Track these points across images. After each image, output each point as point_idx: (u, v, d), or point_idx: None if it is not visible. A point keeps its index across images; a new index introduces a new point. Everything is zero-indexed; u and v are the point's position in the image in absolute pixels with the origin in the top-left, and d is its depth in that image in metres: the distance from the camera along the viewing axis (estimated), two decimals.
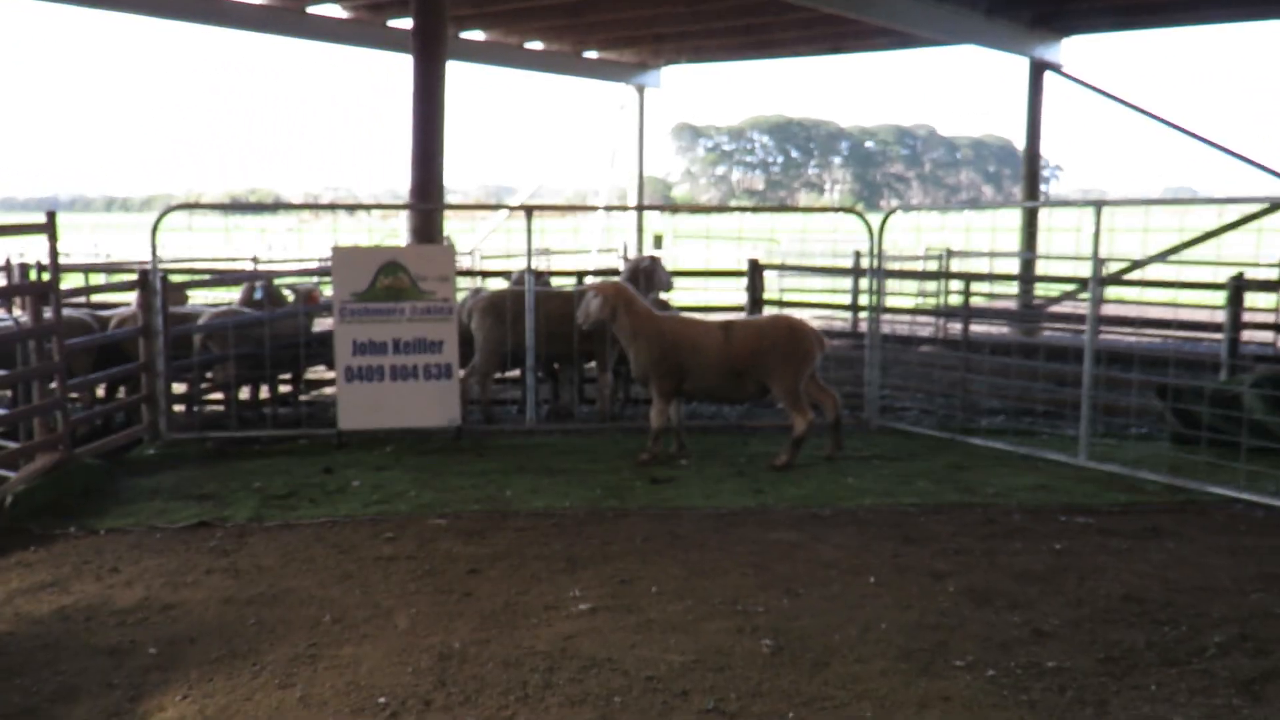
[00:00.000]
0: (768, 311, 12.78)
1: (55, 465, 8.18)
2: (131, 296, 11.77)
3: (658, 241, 25.13)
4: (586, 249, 24.01)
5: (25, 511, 7.55)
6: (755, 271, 12.67)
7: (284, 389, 12.06)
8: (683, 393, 9.26)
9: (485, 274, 15.67)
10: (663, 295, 11.73)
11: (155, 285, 9.88)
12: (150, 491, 8.34)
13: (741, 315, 11.60)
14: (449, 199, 14.49)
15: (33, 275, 12.07)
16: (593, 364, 11.74)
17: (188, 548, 6.89)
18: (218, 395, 11.74)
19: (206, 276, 13.85)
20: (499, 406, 12.06)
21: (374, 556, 6.68)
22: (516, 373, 12.66)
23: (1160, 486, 8.55)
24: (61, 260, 8.62)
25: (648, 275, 11.14)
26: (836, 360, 13.95)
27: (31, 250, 19.73)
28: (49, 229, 8.18)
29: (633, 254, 21.42)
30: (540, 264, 25.63)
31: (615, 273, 12.44)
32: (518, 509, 7.73)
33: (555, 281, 12.43)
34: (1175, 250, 16.42)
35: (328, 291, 12.41)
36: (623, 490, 8.29)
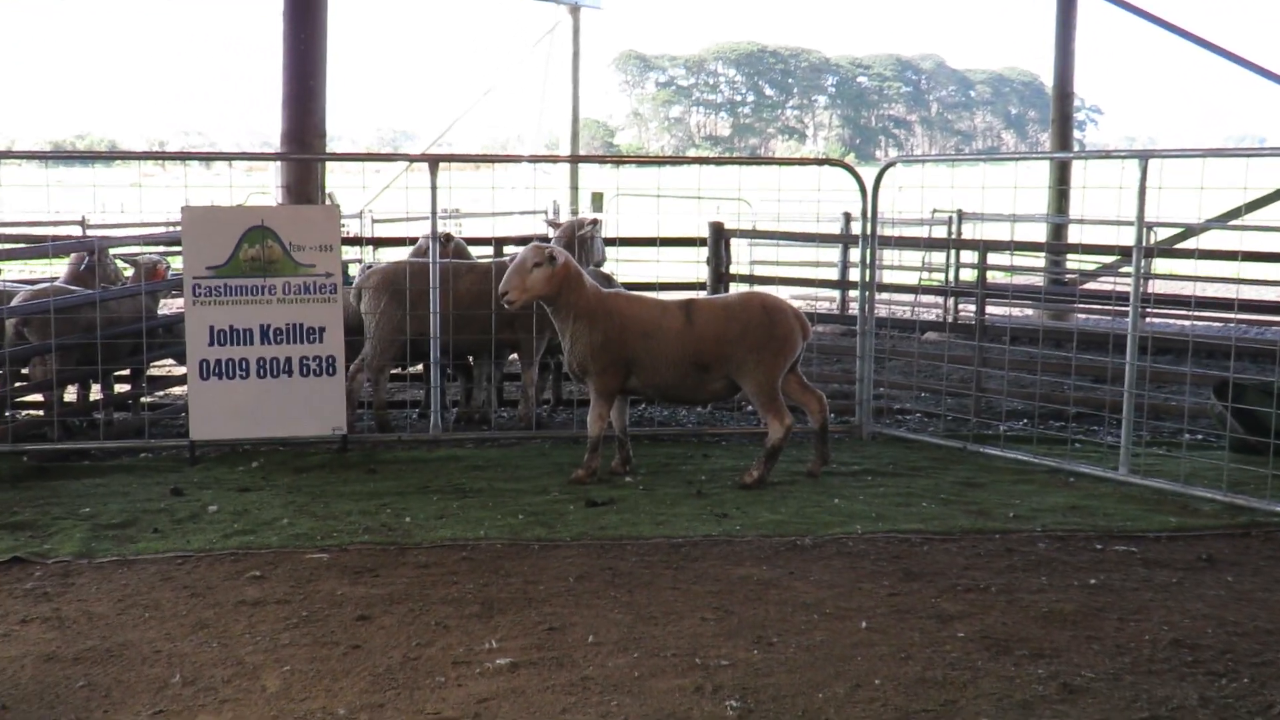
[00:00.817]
0: (735, 289, 12.85)
1: None
2: None
3: (596, 201, 25.18)
4: (507, 211, 23.97)
5: None
6: (719, 239, 12.75)
7: (121, 389, 11.94)
8: (629, 391, 9.31)
9: (379, 242, 15.67)
10: (598, 269, 11.77)
11: None
12: None
13: (704, 294, 11.67)
14: (332, 147, 14.42)
15: None
16: (515, 357, 11.76)
17: None
18: (36, 397, 11.59)
19: (20, 245, 13.68)
20: (396, 410, 12.04)
21: (236, 601, 6.64)
22: (419, 368, 12.64)
23: (1218, 507, 8.72)
24: None
25: (584, 244, 11.18)
26: (820, 351, 14.07)
27: None
28: None
29: (565, 216, 21.41)
30: (449, 229, 25.48)
31: (545, 239, 12.46)
32: (419, 540, 7.73)
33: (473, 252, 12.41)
34: (1238, 213, 16.73)
35: (177, 265, 12.32)
36: (552, 516, 8.31)
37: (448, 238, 11.81)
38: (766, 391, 9.07)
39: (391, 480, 9.37)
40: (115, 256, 12.05)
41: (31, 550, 7.50)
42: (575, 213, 23.88)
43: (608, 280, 11.91)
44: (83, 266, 11.45)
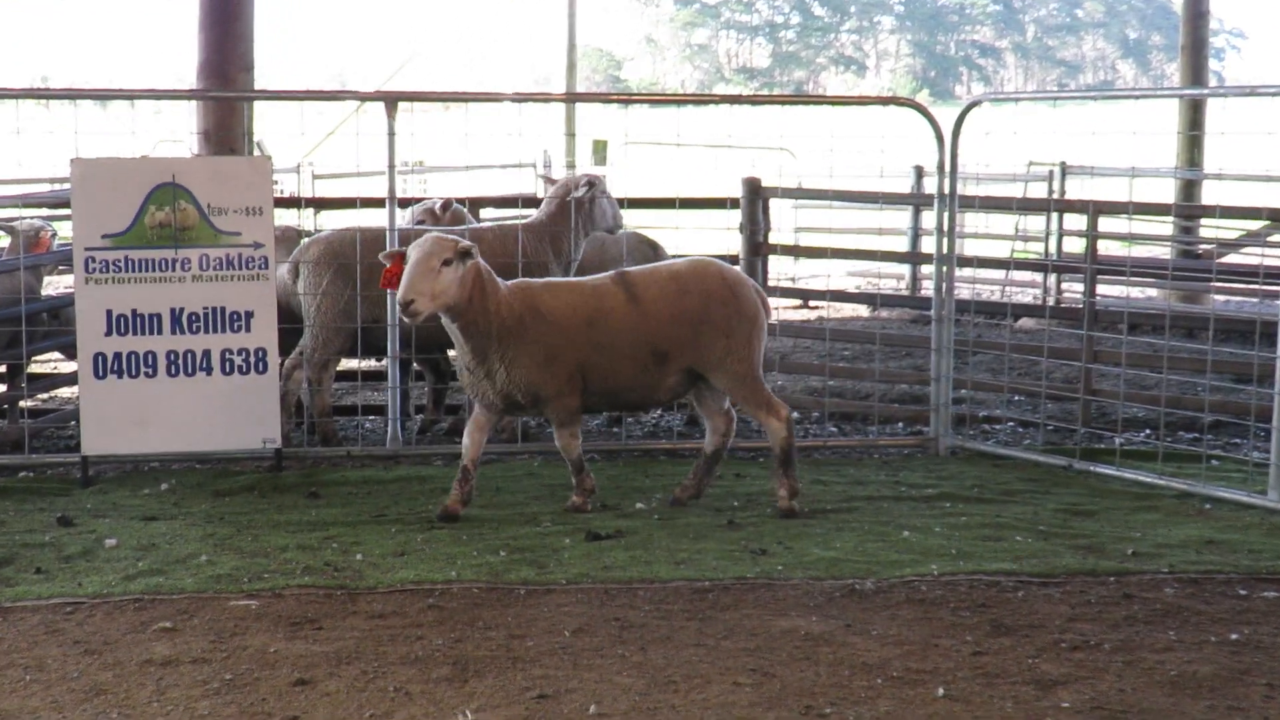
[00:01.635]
0: (776, 265, 12.83)
1: None
2: None
3: (598, 152, 25.20)
4: (485, 165, 23.99)
5: None
6: (755, 199, 12.73)
7: None
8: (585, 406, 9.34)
9: (321, 203, 15.68)
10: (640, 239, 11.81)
11: None
12: None
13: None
14: (262, 84, 14.38)
15: None
16: None
17: None
18: None
19: None
20: (343, 418, 12.04)
21: (141, 660, 6.64)
22: (373, 364, 12.64)
23: None
24: None
25: (584, 208, 11.15)
26: (886, 342, 14.05)
27: None
28: None
29: (560, 172, 21.42)
30: (410, 186, 25.41)
31: (533, 203, 12.45)
32: (373, 583, 7.72)
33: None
34: None
35: (65, 233, 12.33)
36: (543, 552, 8.31)
37: (447, 204, 11.83)
38: (748, 383, 9.14)
39: (338, 507, 9.37)
40: None
41: None
42: (571, 167, 23.89)
43: (654, 249, 11.94)
44: None
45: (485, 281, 8.75)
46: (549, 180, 12.01)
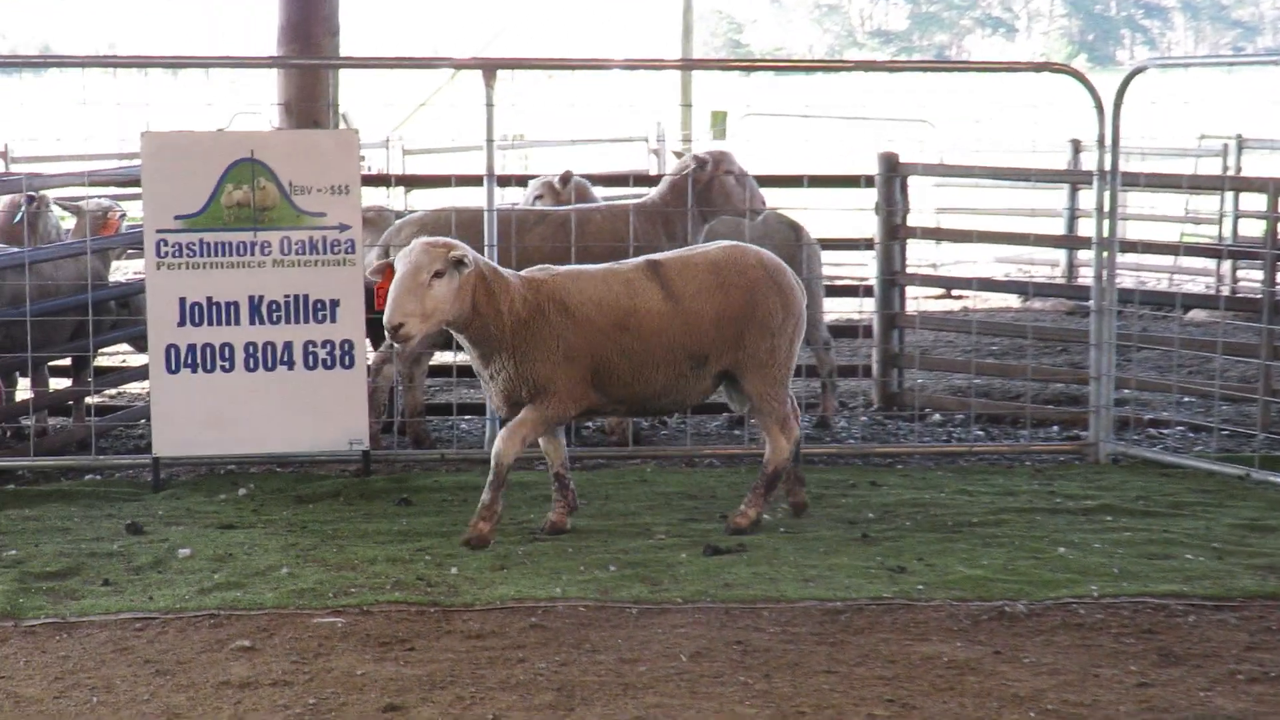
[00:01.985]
0: (915, 250, 12.76)
1: None
2: None
3: (717, 124, 25.15)
4: (592, 138, 24.03)
5: None
6: (893, 177, 12.66)
7: (59, 385, 12.12)
8: (588, 412, 9.11)
9: (412, 181, 15.73)
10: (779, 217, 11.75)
11: None
12: None
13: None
14: (348, 50, 14.48)
15: None
16: None
17: None
18: None
19: None
20: (438, 418, 12.09)
21: (217, 682, 6.70)
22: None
23: None
24: None
25: (710, 190, 11.11)
26: (1039, 337, 13.91)
27: None
28: None
29: (674, 147, 21.46)
30: (510, 163, 25.44)
31: (648, 180, 12.46)
32: (470, 600, 7.75)
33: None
34: None
35: (134, 213, 12.48)
36: (656, 568, 8.31)
37: (567, 177, 11.87)
38: (778, 393, 9.05)
39: (432, 515, 9.43)
40: (51, 201, 12.23)
41: None
42: (687, 141, 23.87)
43: (796, 232, 11.88)
44: (16, 218, 11.60)
45: (491, 284, 8.47)
46: (671, 154, 11.94)
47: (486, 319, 8.47)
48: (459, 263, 8.26)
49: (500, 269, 8.73)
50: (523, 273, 8.85)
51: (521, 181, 13.06)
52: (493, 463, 8.70)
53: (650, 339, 8.77)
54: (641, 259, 9.15)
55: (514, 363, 8.62)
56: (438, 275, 8.21)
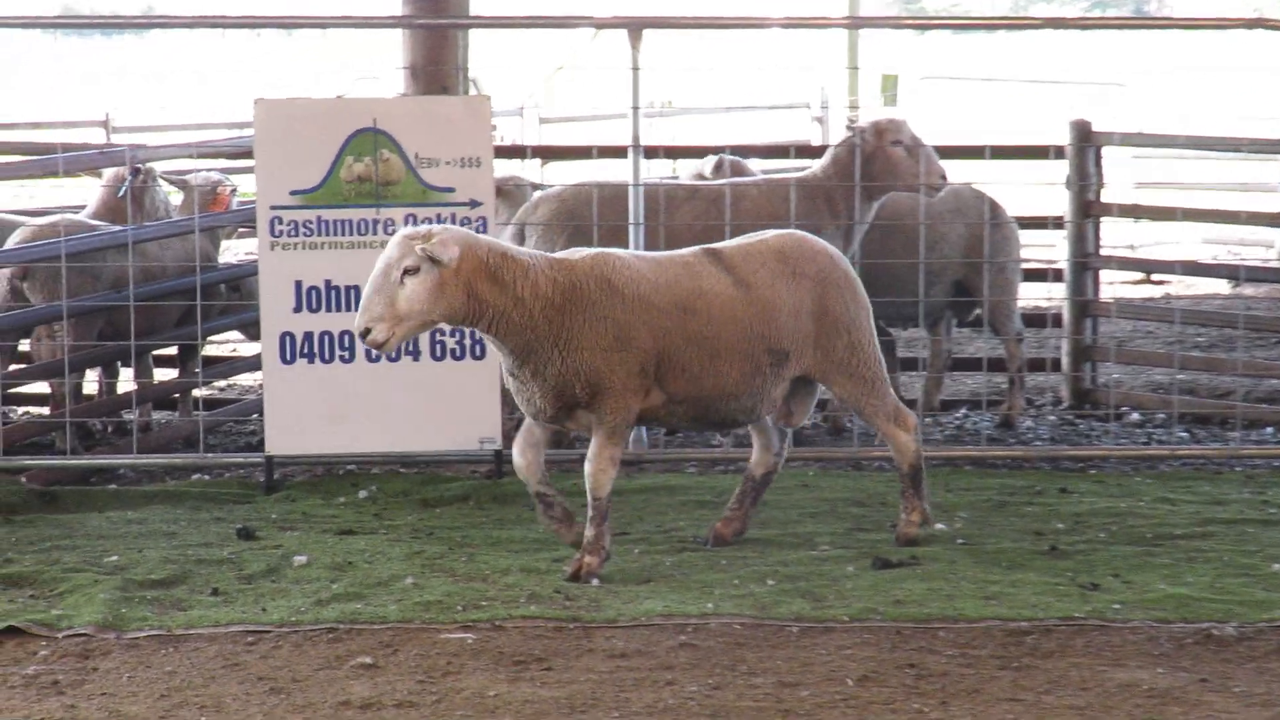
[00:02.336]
0: (1110, 229, 12.57)
1: None
2: None
3: (888, 89, 25.02)
4: (748, 105, 23.97)
5: None
6: (1085, 147, 12.50)
7: (164, 377, 12.27)
8: (649, 415, 8.76)
9: (550, 153, 15.78)
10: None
11: None
12: None
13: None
14: (479, 8, 14.53)
15: None
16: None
17: None
18: (39, 387, 11.99)
19: (16, 159, 14.14)
20: None
21: (336, 702, 6.76)
22: None
23: None
24: None
25: (874, 161, 11.02)
26: (1251, 327, 13.69)
27: None
28: None
29: (839, 114, 21.38)
30: (658, 131, 25.36)
31: (810, 152, 12.39)
32: (613, 615, 7.76)
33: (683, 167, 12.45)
34: None
35: (246, 188, 12.60)
36: (820, 582, 8.28)
37: (719, 165, 11.87)
38: (876, 386, 8.85)
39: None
40: (158, 175, 12.36)
41: (34, 617, 7.73)
42: (854, 108, 23.71)
43: (993, 209, 11.77)
44: (121, 193, 11.73)
45: (498, 272, 8.08)
46: (853, 126, 11.71)
47: (502, 311, 8.09)
48: (433, 260, 7.86)
49: (516, 252, 8.31)
50: (561, 254, 8.61)
51: (670, 153, 13.06)
52: (590, 497, 8.44)
53: (722, 325, 8.48)
54: (697, 247, 8.88)
55: (560, 354, 8.24)
56: (409, 272, 7.88)
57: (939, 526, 9.22)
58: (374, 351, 8.94)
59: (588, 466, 8.43)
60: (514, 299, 8.07)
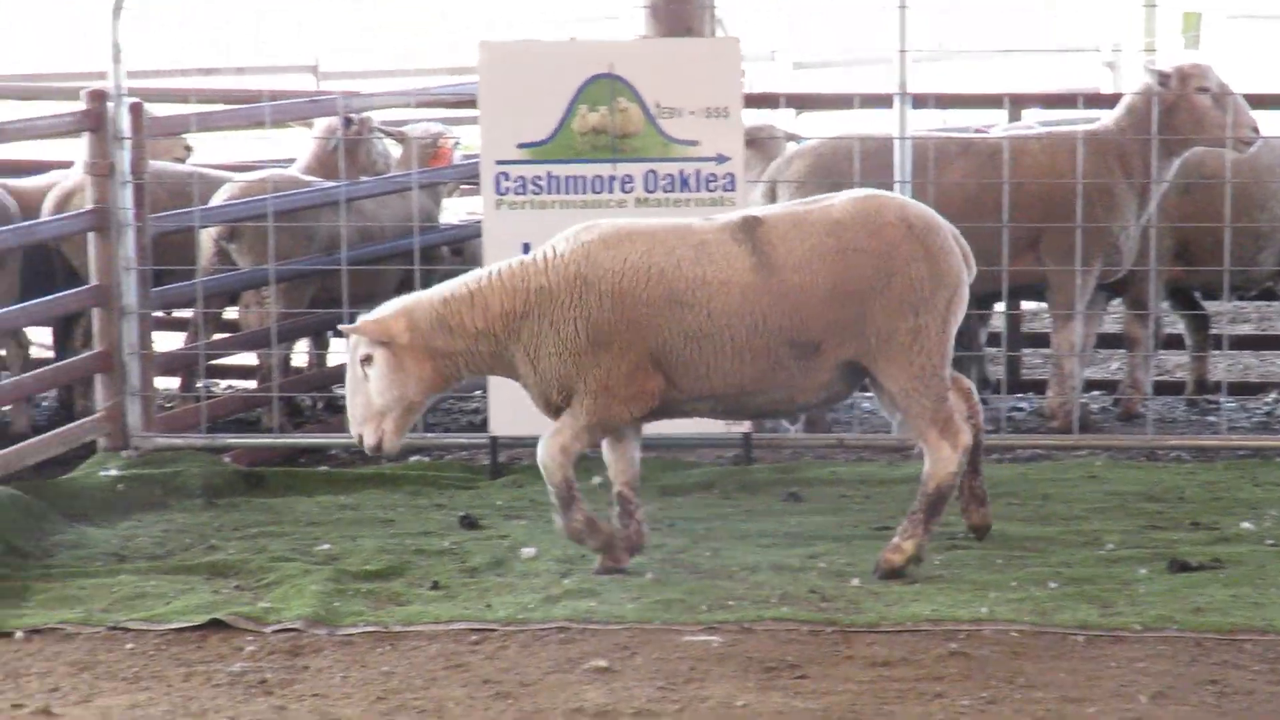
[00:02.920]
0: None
1: None
2: (75, 148, 12.43)
3: (1189, 29, 24.64)
4: (1031, 47, 23.71)
5: None
6: None
7: None
8: (669, 410, 8.77)
9: (806, 101, 15.75)
10: None
11: (121, 121, 10.45)
12: (110, 554, 8.84)
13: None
14: None
15: None
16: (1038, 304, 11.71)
17: (187, 675, 7.25)
18: (246, 358, 12.25)
19: (219, 107, 14.41)
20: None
21: (568, 708, 6.84)
22: None
23: None
24: None
25: (1175, 112, 10.88)
26: None
27: None
28: None
29: (1134, 60, 21.18)
30: (926, 78, 25.11)
31: (1101, 101, 12.27)
32: (875, 619, 7.77)
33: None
34: None
35: (469, 141, 12.72)
36: (1108, 585, 8.24)
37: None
38: (933, 383, 8.49)
39: (827, 514, 9.53)
40: (375, 126, 12.54)
41: (240, 610, 7.94)
42: (1150, 51, 23.40)
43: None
44: (332, 145, 11.92)
45: (443, 321, 8.37)
46: (1148, 70, 11.47)
47: (470, 351, 8.43)
48: (383, 340, 8.23)
49: (455, 288, 8.50)
50: (547, 245, 8.64)
51: (941, 101, 12.97)
52: (547, 484, 8.54)
53: (725, 319, 8.37)
54: (739, 214, 8.81)
55: (531, 362, 8.46)
56: (366, 363, 8.25)
57: (1245, 525, 9.11)
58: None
59: (544, 448, 8.49)
60: (473, 335, 8.39)
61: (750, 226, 8.47)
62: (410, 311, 8.36)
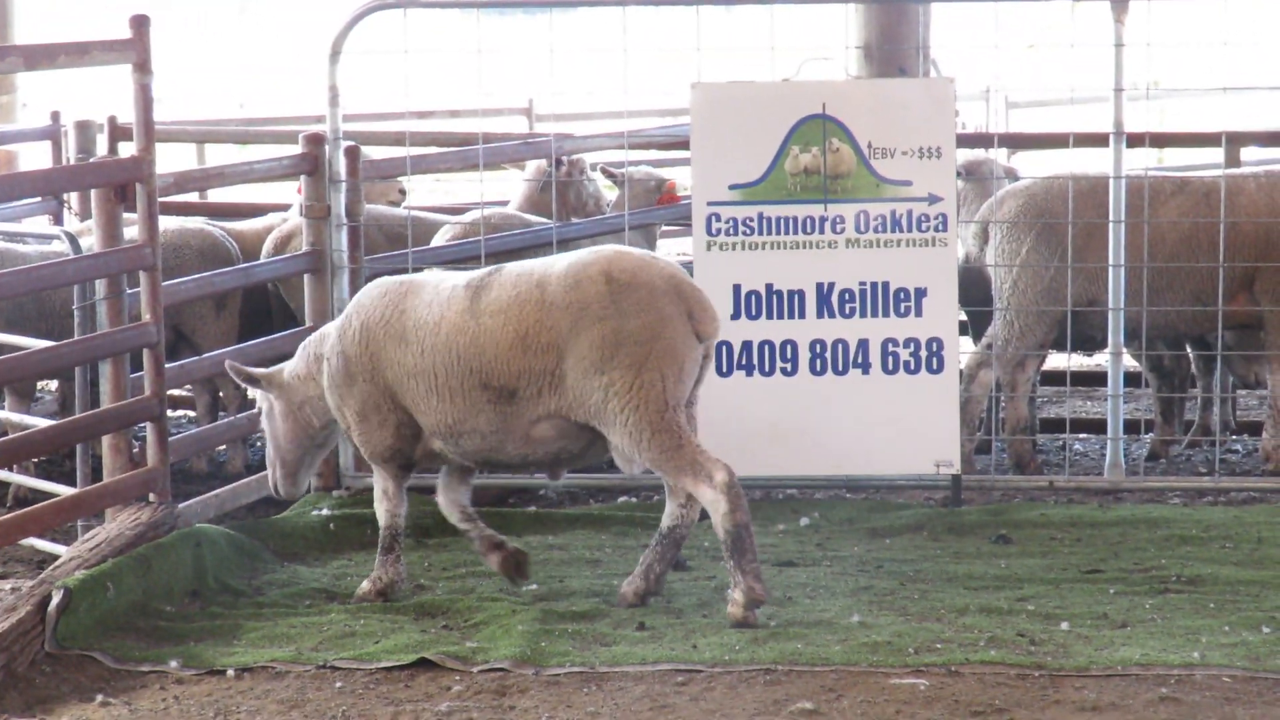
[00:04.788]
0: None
1: (141, 534, 8.90)
2: (289, 191, 12.64)
3: None
4: (1256, 85, 23.34)
5: (87, 625, 8.21)
6: None
7: None
8: (432, 454, 9.09)
9: (1019, 141, 15.66)
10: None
11: (338, 163, 10.67)
12: (320, 590, 9.03)
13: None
14: None
15: (101, 145, 13.22)
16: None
17: (395, 714, 7.34)
18: None
19: (429, 150, 14.56)
20: (1046, 436, 12.03)
21: None
22: (1087, 361, 12.60)
23: None
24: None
25: None
26: None
27: (95, 96, 21.52)
28: (136, 47, 8.96)
29: None
30: (1142, 116, 24.84)
31: None
32: (1084, 663, 7.68)
33: None
34: None
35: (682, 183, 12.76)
36: None
37: None
38: (657, 441, 8.36)
39: (1036, 557, 9.44)
40: (591, 164, 12.63)
41: (448, 650, 8.00)
42: None
43: None
44: (542, 186, 12.02)
45: (310, 370, 9.09)
46: None
47: (313, 399, 9.14)
48: (257, 384, 9.21)
49: (282, 373, 9.20)
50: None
51: (1157, 140, 12.85)
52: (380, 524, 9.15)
53: (431, 356, 8.69)
54: (488, 269, 9.00)
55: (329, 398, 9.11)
56: (264, 415, 9.20)
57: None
58: (818, 364, 9.39)
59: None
60: (307, 379, 9.13)
61: (491, 274, 8.81)
62: (285, 366, 9.24)
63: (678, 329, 8.43)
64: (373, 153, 12.45)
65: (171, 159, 14.31)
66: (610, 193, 12.88)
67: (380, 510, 9.03)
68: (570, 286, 8.46)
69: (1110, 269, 10.48)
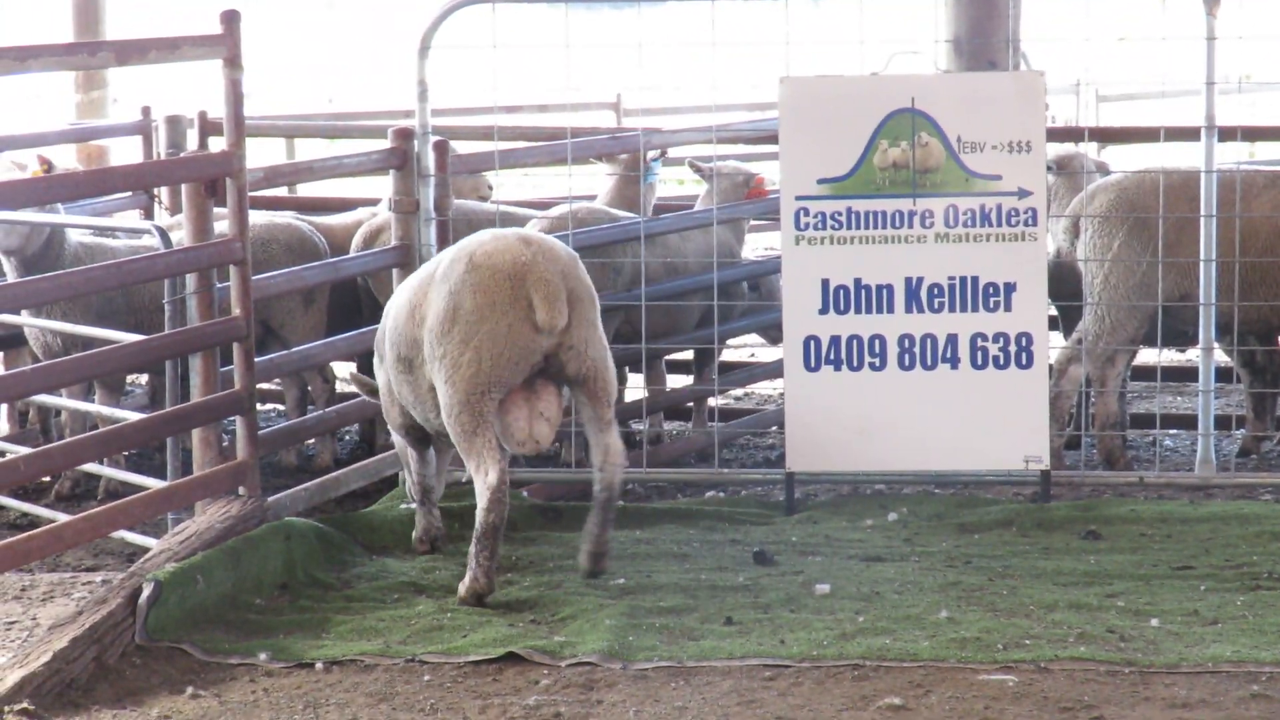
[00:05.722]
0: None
1: (231, 527, 9.00)
2: (381, 185, 12.67)
3: None
4: None
5: (177, 617, 8.28)
6: None
7: (677, 383, 12.50)
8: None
9: (1110, 135, 15.56)
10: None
11: (426, 158, 10.68)
12: (408, 584, 9.05)
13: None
14: None
15: (191, 139, 13.29)
16: None
17: (483, 707, 7.37)
18: None
19: (517, 144, 14.61)
20: (1136, 432, 11.99)
21: None
22: (1178, 356, 12.55)
23: None
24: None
25: None
26: None
27: (182, 91, 21.65)
28: (226, 42, 9.04)
29: None
30: (1234, 110, 24.54)
31: None
32: (1174, 660, 7.65)
33: None
34: None
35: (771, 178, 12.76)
36: None
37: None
38: (462, 415, 8.73)
39: (1126, 553, 9.39)
40: (683, 160, 12.64)
41: (535, 644, 8.03)
42: None
43: None
44: (649, 177, 12.03)
45: None
46: None
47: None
48: None
49: None
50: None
51: (1249, 134, 12.76)
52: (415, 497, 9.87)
53: (383, 334, 9.49)
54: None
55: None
56: None
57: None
58: (906, 359, 9.45)
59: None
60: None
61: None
62: None
63: (509, 315, 8.69)
64: (461, 148, 12.46)
65: (261, 154, 14.34)
66: (698, 187, 12.85)
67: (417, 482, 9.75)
68: (449, 264, 8.90)
69: (1201, 264, 10.42)
